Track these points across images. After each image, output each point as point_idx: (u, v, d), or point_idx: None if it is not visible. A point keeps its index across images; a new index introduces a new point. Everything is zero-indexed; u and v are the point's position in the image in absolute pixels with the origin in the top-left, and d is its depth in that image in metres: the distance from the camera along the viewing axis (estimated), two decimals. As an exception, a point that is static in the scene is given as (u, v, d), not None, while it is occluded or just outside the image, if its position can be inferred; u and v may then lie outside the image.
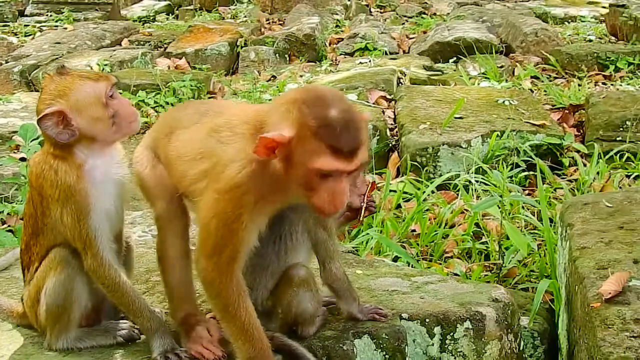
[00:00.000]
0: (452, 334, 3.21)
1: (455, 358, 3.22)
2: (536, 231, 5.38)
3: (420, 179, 6.16)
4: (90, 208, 2.92)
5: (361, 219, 3.22)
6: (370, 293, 3.39)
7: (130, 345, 3.06)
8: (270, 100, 8.50)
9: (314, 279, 3.07)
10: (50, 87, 2.93)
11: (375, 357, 3.12)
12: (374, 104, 7.82)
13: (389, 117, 7.53)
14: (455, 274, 4.80)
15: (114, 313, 3.20)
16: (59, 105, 2.88)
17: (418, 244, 5.33)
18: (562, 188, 6.00)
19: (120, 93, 3.20)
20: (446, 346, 3.22)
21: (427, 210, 5.71)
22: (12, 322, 3.30)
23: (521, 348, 3.39)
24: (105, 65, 10.31)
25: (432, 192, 5.92)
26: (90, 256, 2.94)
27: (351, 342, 3.07)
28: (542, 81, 9.01)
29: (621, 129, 6.82)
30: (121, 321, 3.14)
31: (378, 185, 6.14)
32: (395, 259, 4.93)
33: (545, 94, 8.46)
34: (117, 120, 2.93)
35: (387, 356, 3.13)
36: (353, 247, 4.83)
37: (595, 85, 8.86)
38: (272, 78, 10.15)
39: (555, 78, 9.37)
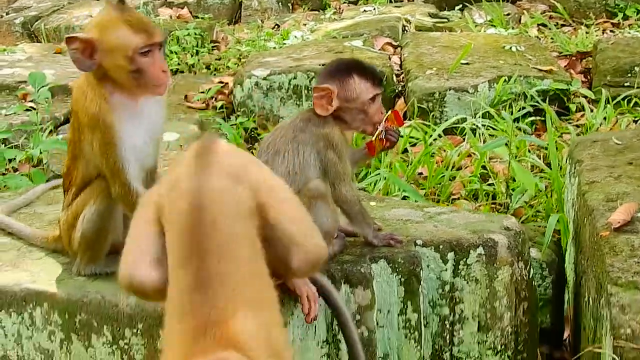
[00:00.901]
0: (465, 259, 3.31)
1: (467, 283, 3.32)
2: (543, 174, 5.45)
3: (427, 124, 6.22)
4: (115, 139, 2.98)
5: (378, 148, 3.25)
6: (384, 222, 3.48)
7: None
8: (274, 48, 8.53)
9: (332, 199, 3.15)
10: (99, 16, 2.98)
11: (391, 280, 3.22)
12: (379, 50, 7.84)
13: (395, 63, 7.56)
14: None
15: None
16: (91, 35, 2.92)
17: (426, 186, 5.41)
18: (569, 133, 6.06)
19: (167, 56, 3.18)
20: (459, 271, 3.31)
21: (434, 154, 5.78)
22: (45, 247, 3.42)
23: (530, 276, 3.49)
24: (109, 14, 10.28)
25: (439, 136, 5.99)
26: (118, 184, 3.01)
27: (368, 266, 3.17)
28: (549, 29, 9.00)
29: (629, 75, 6.85)
30: None
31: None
32: (404, 199, 5.00)
33: (552, 42, 8.46)
34: (140, 77, 2.94)
35: (402, 279, 3.23)
36: (363, 187, 4.91)
37: (603, 33, 8.85)
38: (275, 27, 10.15)
39: (563, 26, 9.34)
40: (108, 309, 2.96)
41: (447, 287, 3.32)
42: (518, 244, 3.39)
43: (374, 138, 3.22)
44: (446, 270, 3.31)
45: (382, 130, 3.20)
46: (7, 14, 11.14)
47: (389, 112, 3.25)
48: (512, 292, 3.36)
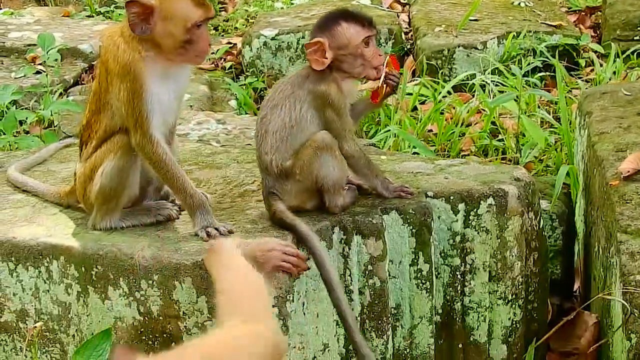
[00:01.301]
0: (475, 210, 3.33)
1: (478, 233, 3.35)
2: (553, 129, 5.46)
3: (436, 80, 6.21)
4: (142, 90, 3.02)
5: (382, 94, 3.23)
6: (395, 175, 3.49)
7: (169, 223, 3.18)
8: (282, 8, 8.51)
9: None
10: None
11: (402, 231, 3.25)
12: (388, 8, 7.81)
13: (403, 20, 7.53)
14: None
15: (155, 197, 3.33)
16: (153, 2, 2.96)
17: (436, 143, 5.43)
18: (578, 88, 6.05)
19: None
20: (470, 222, 3.34)
21: (443, 111, 5.78)
22: (59, 203, 3.45)
23: (541, 226, 3.51)
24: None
25: (448, 92, 5.99)
26: (140, 133, 3.04)
27: (380, 217, 3.20)
28: (558, -17, 8.94)
29: (639, 29, 6.81)
30: (160, 201, 3.27)
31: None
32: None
33: (561, -3, 8.42)
34: (188, 47, 3.00)
35: (413, 230, 3.26)
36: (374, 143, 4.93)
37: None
38: (284, -13, 10.09)
39: (572, -20, 9.28)
40: (124, 261, 2.98)
41: (457, 238, 3.35)
42: (528, 194, 3.41)
43: (379, 84, 3.20)
44: (457, 221, 3.33)
45: (383, 76, 3.18)
46: (14, -23, 11.11)
47: (387, 57, 3.23)
48: (522, 242, 3.39)
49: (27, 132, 5.96)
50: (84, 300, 3.09)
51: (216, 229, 3.01)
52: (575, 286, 4.20)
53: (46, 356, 3.21)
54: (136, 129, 3.04)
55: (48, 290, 3.15)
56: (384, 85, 3.21)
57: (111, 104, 3.10)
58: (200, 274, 2.86)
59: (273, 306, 2.88)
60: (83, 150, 3.27)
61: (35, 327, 3.01)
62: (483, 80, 6.03)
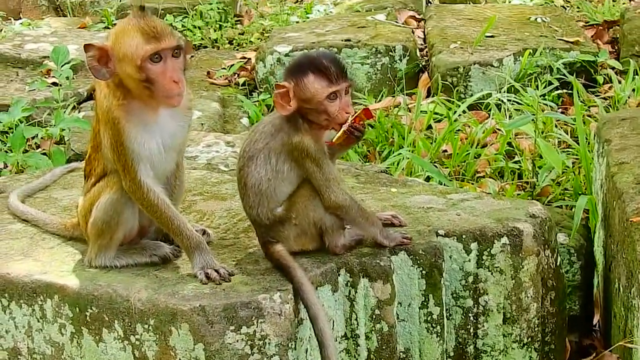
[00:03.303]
0: (489, 249, 3.19)
1: (492, 274, 3.21)
2: (570, 149, 5.32)
3: (451, 99, 6.08)
4: (124, 138, 2.90)
5: (335, 140, 2.98)
6: (405, 210, 3.37)
7: (169, 264, 3.07)
8: (297, 22, 8.41)
9: None
10: (120, 23, 2.93)
11: (412, 273, 3.11)
12: (403, 23, 7.70)
13: (418, 37, 7.42)
14: (488, 193, 4.76)
15: (155, 236, 3.22)
16: (107, 43, 2.86)
17: (450, 164, 5.29)
18: (596, 105, 5.90)
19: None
20: (483, 262, 3.20)
21: (458, 130, 5.65)
22: (62, 235, 3.36)
23: (558, 264, 3.37)
24: (132, -12, 10.23)
25: (464, 111, 5.86)
26: (129, 179, 2.95)
27: (388, 258, 3.07)
28: (576, -3, 8.80)
29: (658, 45, 6.67)
30: (157, 241, 3.16)
31: (409, 105, 6.08)
32: (428, 179, 4.90)
33: (578, 11, 8.28)
34: (152, 87, 2.84)
35: (424, 272, 3.12)
36: (385, 168, 4.80)
37: (630, 0, 8.63)
38: (299, 0, 10.01)
39: (589, -7, 9.14)
40: (119, 303, 2.87)
41: (470, 279, 3.21)
42: (544, 231, 3.26)
43: (335, 138, 2.97)
44: (469, 261, 3.20)
45: (345, 129, 2.95)
46: (34, -13, 11.11)
47: (359, 110, 2.99)
48: (538, 283, 3.25)
49: (38, 146, 5.90)
50: (77, 342, 2.98)
51: (216, 270, 2.89)
52: (595, 319, 4.04)
53: (39, 398, 3.10)
54: (125, 175, 2.95)
55: (41, 330, 3.06)
56: (344, 136, 2.97)
57: (103, 145, 3.00)
58: (197, 320, 2.74)
59: (274, 354, 2.77)
60: (85, 184, 3.19)
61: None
62: (499, 99, 5.89)
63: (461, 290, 3.22)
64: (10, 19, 9.99)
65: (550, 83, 6.19)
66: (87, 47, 2.85)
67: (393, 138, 5.68)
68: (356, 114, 2.97)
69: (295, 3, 9.75)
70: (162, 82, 2.84)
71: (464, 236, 3.19)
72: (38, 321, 3.05)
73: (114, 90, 2.91)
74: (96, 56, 2.85)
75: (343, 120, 2.96)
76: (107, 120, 2.93)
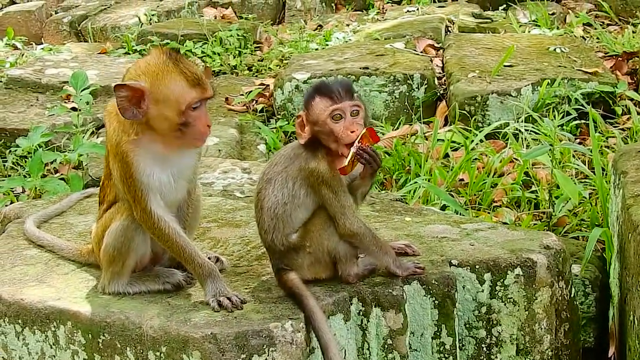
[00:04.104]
0: (502, 280, 3.18)
1: (505, 304, 3.19)
2: (587, 180, 5.29)
3: (468, 128, 6.08)
4: (134, 171, 2.92)
5: (346, 165, 2.95)
6: (419, 240, 3.37)
7: (181, 291, 3.08)
8: (316, 50, 8.44)
9: None
10: (151, 62, 2.89)
11: (424, 302, 3.10)
12: (421, 52, 7.71)
13: (437, 65, 7.41)
14: (504, 223, 4.75)
15: (169, 263, 3.23)
16: (143, 84, 2.83)
17: (466, 193, 5.28)
18: (614, 136, 5.88)
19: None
20: (496, 292, 3.19)
21: (475, 159, 5.64)
22: (77, 261, 3.39)
23: (572, 295, 3.35)
24: (153, 15, 10.35)
25: (481, 140, 5.85)
26: (139, 209, 2.96)
27: (400, 288, 3.06)
28: (595, 28, 8.78)
29: (678, 76, 6.64)
30: (171, 269, 3.16)
31: (426, 134, 6.09)
32: (444, 208, 4.89)
33: (597, 42, 8.26)
34: (185, 130, 2.86)
35: (436, 302, 3.11)
36: (401, 196, 4.80)
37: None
38: (318, 27, 10.06)
39: (609, 25, 9.12)
40: (131, 330, 2.88)
41: (483, 309, 3.20)
42: (558, 263, 3.24)
43: (346, 162, 2.95)
44: (482, 291, 3.18)
45: (354, 152, 2.93)
46: (56, 12, 11.24)
47: (364, 129, 2.97)
48: (552, 314, 3.22)
49: (56, 171, 5.94)
50: (90, 368, 2.98)
51: (228, 298, 2.89)
52: (610, 352, 4.00)
53: None
54: (135, 205, 2.96)
55: (54, 356, 3.07)
56: (354, 161, 2.96)
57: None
58: (209, 348, 2.74)
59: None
60: (99, 210, 3.21)
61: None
62: (516, 129, 5.88)
63: (474, 321, 3.20)
64: (32, 44, 10.11)
65: (568, 113, 6.17)
66: (119, 87, 2.82)
67: (410, 166, 5.67)
68: (361, 134, 2.95)
69: (314, 30, 9.79)
70: (198, 127, 2.87)
71: (477, 266, 3.18)
72: (51, 347, 3.06)
73: (124, 125, 2.91)
74: (128, 96, 2.82)
75: (349, 140, 2.95)
76: (115, 153, 2.94)
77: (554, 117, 6.01)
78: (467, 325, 3.21)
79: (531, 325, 3.21)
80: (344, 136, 2.96)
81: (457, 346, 3.17)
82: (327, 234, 2.98)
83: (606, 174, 4.89)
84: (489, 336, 3.22)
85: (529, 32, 8.62)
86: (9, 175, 5.99)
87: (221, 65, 8.60)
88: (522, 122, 6.00)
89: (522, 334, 3.21)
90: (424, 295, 3.10)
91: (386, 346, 3.06)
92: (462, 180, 5.52)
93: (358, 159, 2.96)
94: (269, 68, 8.47)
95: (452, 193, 5.23)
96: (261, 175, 3.10)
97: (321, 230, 2.98)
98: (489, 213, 5.05)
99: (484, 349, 3.23)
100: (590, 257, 3.85)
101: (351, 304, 3.01)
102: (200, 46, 8.81)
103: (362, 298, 3.02)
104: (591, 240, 3.88)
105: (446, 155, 5.84)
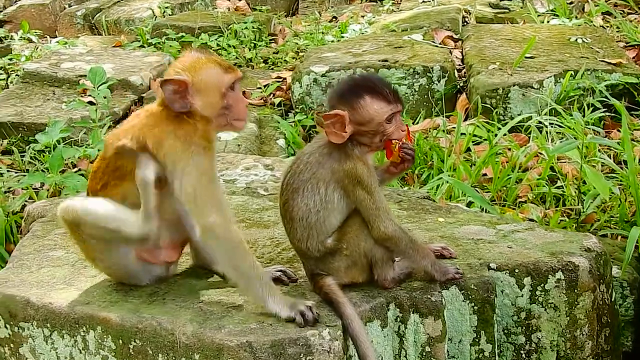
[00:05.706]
0: (542, 285, 3.10)
1: (545, 310, 3.11)
2: (613, 175, 5.19)
3: (490, 121, 5.98)
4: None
5: (391, 159, 2.98)
6: (454, 242, 3.29)
7: (213, 294, 3.01)
8: (332, 42, 8.35)
9: None
10: (186, 59, 3.07)
11: (463, 308, 3.03)
12: (440, 44, 7.61)
13: (456, 57, 7.31)
14: (531, 220, 4.66)
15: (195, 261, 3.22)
16: (185, 77, 2.96)
17: (491, 189, 5.19)
18: (639, 129, 5.78)
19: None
20: (536, 297, 3.11)
21: (499, 153, 5.54)
22: None
23: (613, 299, 3.26)
24: (167, 7, 10.27)
25: (504, 134, 5.75)
26: (219, 216, 2.94)
27: (439, 293, 2.98)
28: (615, 17, 8.65)
29: (702, 65, 6.52)
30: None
31: (448, 128, 5.99)
32: (469, 204, 4.80)
33: (618, 31, 8.14)
34: (227, 112, 3.01)
35: (475, 307, 3.04)
36: (426, 192, 4.72)
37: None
38: (333, 19, 9.96)
39: (629, 14, 8.99)
40: (164, 337, 2.81)
41: (523, 314, 3.12)
42: (600, 266, 3.16)
43: (395, 157, 2.96)
44: (522, 296, 3.10)
45: (400, 145, 2.94)
46: (69, 5, 11.18)
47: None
48: (594, 319, 3.14)
49: (74, 165, 5.88)
50: (121, 375, 2.91)
51: (309, 307, 2.81)
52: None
53: None
54: (212, 210, 2.95)
55: (84, 362, 2.99)
56: (398, 154, 2.97)
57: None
58: (244, 357, 2.67)
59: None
60: None
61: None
62: (540, 122, 5.78)
63: (513, 327, 3.13)
64: (46, 37, 10.04)
65: (591, 105, 6.06)
66: (166, 82, 2.96)
67: (432, 161, 5.58)
68: (405, 131, 2.96)
69: (329, 22, 9.70)
70: (239, 106, 3.03)
71: (516, 270, 3.10)
72: (80, 352, 3.00)
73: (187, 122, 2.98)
74: (175, 90, 2.96)
75: (399, 137, 2.95)
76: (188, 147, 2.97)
77: (578, 109, 5.91)
78: (505, 331, 3.13)
79: (572, 331, 3.12)
80: (395, 135, 2.94)
81: (496, 353, 3.10)
82: (364, 235, 2.90)
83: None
84: (528, 342, 3.14)
85: (548, 22, 8.50)
86: (27, 170, 5.92)
87: (237, 58, 8.51)
88: (545, 115, 5.90)
89: (562, 340, 3.13)
90: (463, 301, 3.02)
91: (424, 354, 2.98)
92: (485, 175, 5.42)
93: (403, 155, 2.96)
94: (285, 61, 8.38)
95: (476, 188, 5.14)
96: (283, 185, 2.99)
97: (358, 231, 2.91)
98: (514, 209, 4.96)
99: (523, 355, 3.15)
100: (628, 259, 3.76)
101: (388, 309, 2.93)
102: (216, 39, 8.72)
103: (400, 304, 2.94)
104: (631, 240, 3.78)
105: (467, 149, 5.75)
